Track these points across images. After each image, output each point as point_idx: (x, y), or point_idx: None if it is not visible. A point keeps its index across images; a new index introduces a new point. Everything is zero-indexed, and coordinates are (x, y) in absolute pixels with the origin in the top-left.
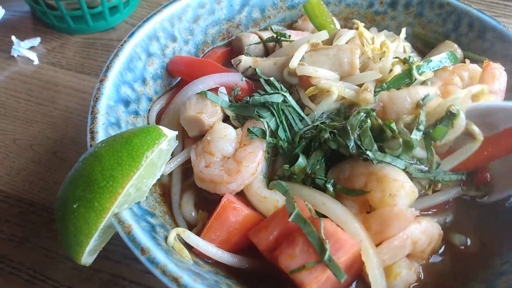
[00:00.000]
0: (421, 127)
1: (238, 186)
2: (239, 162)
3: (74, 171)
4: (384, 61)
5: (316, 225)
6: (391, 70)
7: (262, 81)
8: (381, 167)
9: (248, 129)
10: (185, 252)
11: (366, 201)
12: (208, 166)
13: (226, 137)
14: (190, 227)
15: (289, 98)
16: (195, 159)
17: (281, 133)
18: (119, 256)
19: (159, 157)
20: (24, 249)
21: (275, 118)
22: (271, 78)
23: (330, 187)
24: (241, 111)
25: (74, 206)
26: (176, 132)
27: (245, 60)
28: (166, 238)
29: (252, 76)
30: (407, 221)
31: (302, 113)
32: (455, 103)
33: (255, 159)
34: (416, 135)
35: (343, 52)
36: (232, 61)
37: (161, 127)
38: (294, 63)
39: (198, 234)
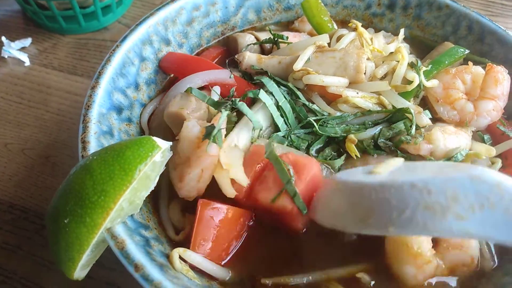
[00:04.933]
0: None
1: (188, 193)
2: (190, 164)
3: (65, 185)
4: (398, 70)
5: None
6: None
7: (269, 82)
8: None
9: (206, 128)
10: (191, 273)
11: None
12: (176, 167)
13: (186, 138)
14: (178, 231)
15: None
16: (172, 158)
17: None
18: (113, 263)
19: (153, 169)
20: (17, 257)
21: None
22: (290, 85)
23: None
24: (214, 106)
25: (65, 221)
26: (171, 143)
27: (249, 57)
28: (161, 253)
29: (249, 74)
30: None
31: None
32: None
33: (198, 165)
34: None
35: (349, 55)
36: (236, 57)
37: (154, 138)
38: (298, 65)
39: (187, 238)
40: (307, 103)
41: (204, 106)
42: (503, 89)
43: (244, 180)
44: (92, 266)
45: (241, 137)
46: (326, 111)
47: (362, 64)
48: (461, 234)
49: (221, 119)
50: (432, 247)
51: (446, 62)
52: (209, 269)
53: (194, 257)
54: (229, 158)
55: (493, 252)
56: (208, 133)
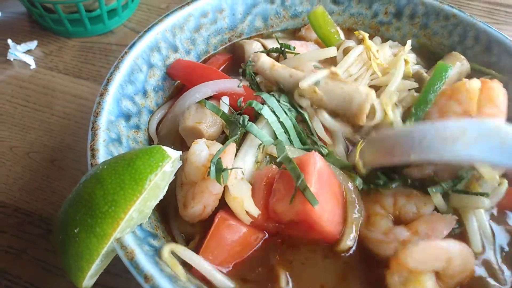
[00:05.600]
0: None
1: (191, 221)
2: (194, 196)
3: (75, 194)
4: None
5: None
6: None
7: (269, 99)
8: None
9: (211, 164)
10: (179, 268)
11: (399, 217)
12: (182, 185)
13: (193, 163)
14: (188, 240)
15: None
16: (180, 172)
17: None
18: (119, 269)
19: (163, 179)
20: (22, 262)
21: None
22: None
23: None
24: (229, 125)
25: (75, 231)
26: (180, 153)
27: (264, 61)
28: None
29: (256, 84)
30: (450, 224)
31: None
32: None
33: (201, 200)
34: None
35: (358, 93)
36: (252, 55)
37: (164, 147)
38: (304, 84)
39: (196, 248)
40: (310, 123)
41: (219, 119)
42: (499, 104)
43: (254, 211)
44: None
45: (247, 160)
46: (325, 139)
47: (367, 105)
48: (466, 158)
49: (228, 157)
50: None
51: (436, 87)
52: (202, 268)
53: (186, 253)
54: (237, 191)
55: (503, 270)
56: (213, 172)
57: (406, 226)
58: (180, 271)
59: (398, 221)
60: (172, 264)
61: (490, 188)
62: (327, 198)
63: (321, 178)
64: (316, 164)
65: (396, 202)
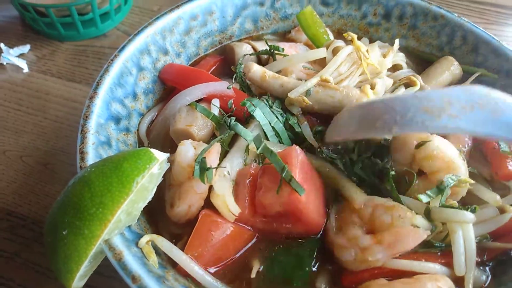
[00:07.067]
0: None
1: (178, 221)
2: (179, 196)
3: (63, 196)
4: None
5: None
6: None
7: (260, 104)
8: (387, 199)
9: (195, 164)
10: (153, 257)
11: (373, 227)
12: (170, 187)
13: (180, 164)
14: (176, 241)
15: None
16: (169, 173)
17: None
18: (112, 271)
19: (150, 181)
20: (15, 265)
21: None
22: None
23: None
24: (219, 128)
25: (64, 233)
26: (168, 155)
27: (255, 71)
28: (158, 264)
29: (247, 86)
30: (420, 238)
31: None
32: None
33: (185, 200)
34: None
35: (349, 98)
36: (243, 66)
37: (152, 150)
38: (293, 94)
39: (182, 249)
40: (299, 129)
41: (210, 122)
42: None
43: (235, 209)
44: (91, 274)
45: (234, 162)
46: (312, 143)
47: None
48: (454, 130)
49: (212, 156)
50: None
51: None
52: (182, 262)
53: (165, 244)
54: (219, 188)
55: (487, 269)
56: (197, 171)
57: (372, 235)
58: (153, 259)
59: (373, 232)
60: (147, 252)
61: (492, 213)
62: (311, 189)
63: (303, 169)
64: (298, 157)
65: (374, 212)
